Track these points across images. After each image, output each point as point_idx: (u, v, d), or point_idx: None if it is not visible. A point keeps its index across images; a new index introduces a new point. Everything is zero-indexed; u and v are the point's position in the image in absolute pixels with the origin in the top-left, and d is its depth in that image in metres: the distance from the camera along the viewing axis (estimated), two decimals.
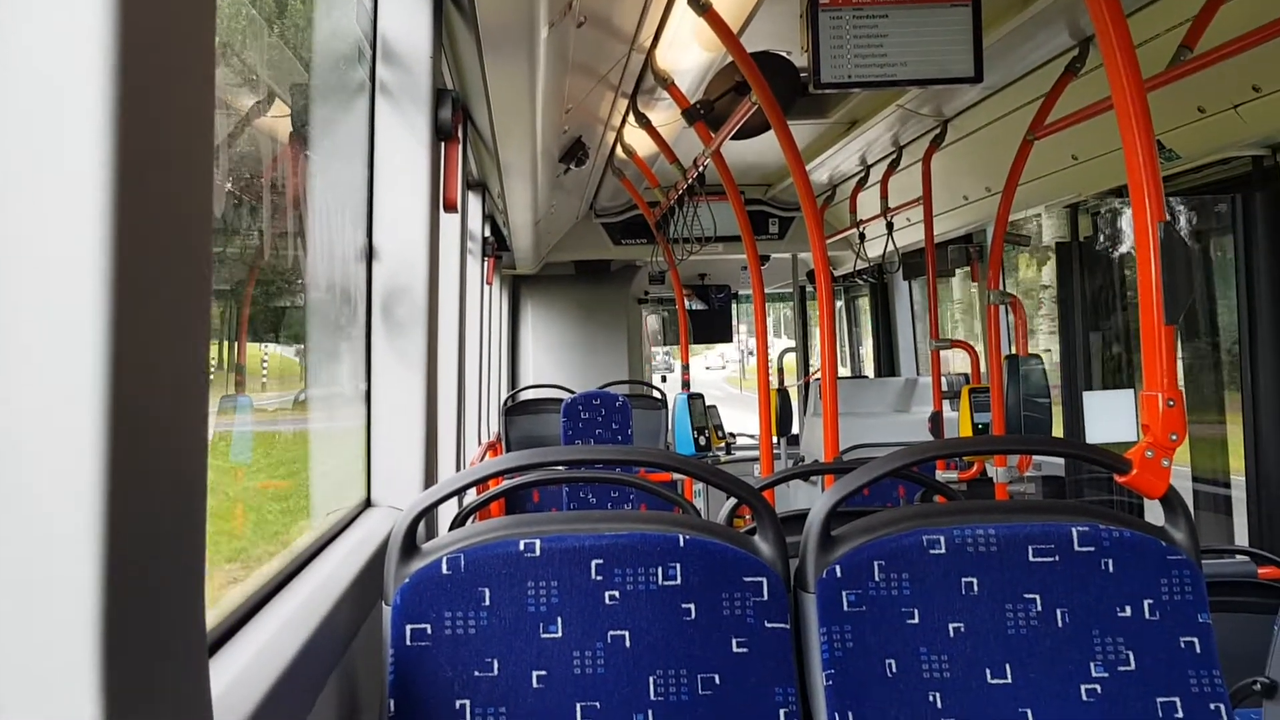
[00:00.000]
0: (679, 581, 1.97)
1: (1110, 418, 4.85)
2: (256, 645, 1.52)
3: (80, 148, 0.84)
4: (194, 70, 1.00)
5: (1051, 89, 4.56)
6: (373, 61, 2.78)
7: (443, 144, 2.94)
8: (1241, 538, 4.75)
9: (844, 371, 11.53)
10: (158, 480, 0.95)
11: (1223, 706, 1.99)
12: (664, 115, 5.41)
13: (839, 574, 2.03)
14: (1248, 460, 4.53)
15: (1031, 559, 2.03)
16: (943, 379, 6.47)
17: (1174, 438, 2.32)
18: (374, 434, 2.78)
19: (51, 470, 0.85)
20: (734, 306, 12.27)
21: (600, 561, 1.96)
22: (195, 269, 1.02)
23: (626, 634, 1.95)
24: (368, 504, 2.75)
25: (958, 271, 8.24)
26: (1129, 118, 2.42)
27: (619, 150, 6.50)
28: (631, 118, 5.50)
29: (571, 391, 7.80)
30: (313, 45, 2.50)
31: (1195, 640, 2.02)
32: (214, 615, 1.52)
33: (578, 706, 1.91)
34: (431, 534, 2.73)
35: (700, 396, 7.85)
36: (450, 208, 3.04)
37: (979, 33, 3.58)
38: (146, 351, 0.91)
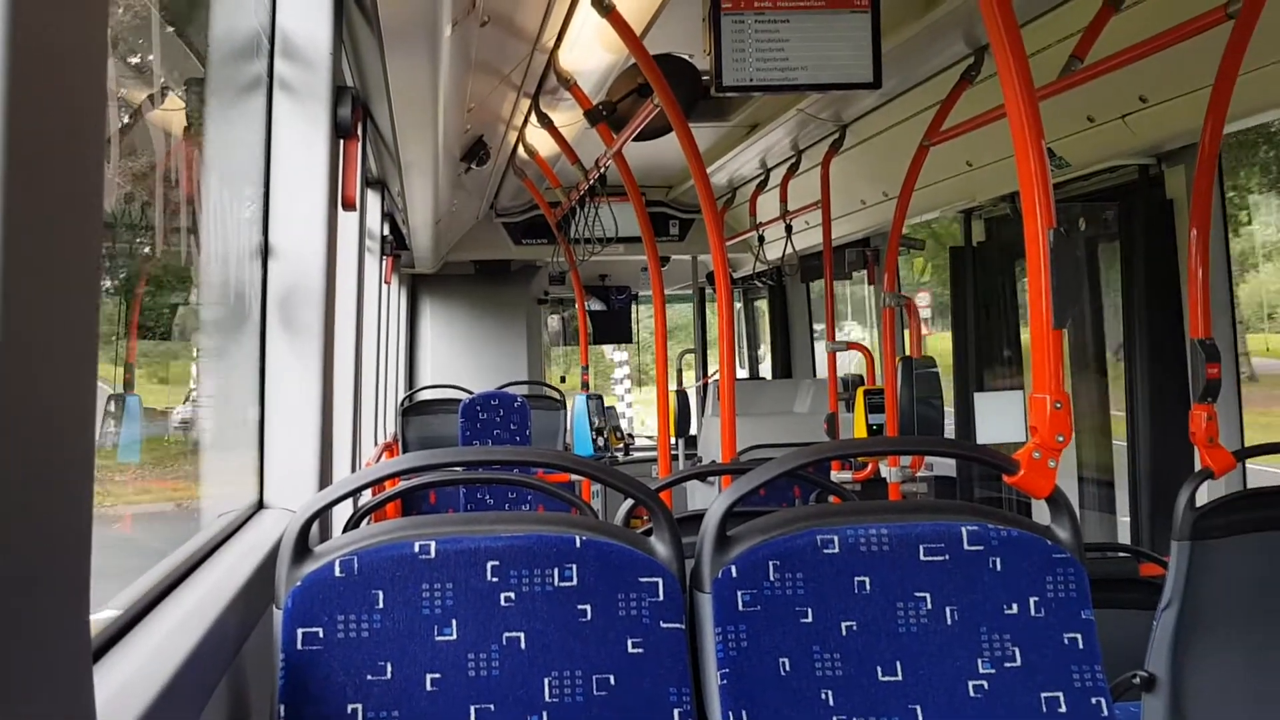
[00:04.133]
0: (575, 583, 1.97)
1: (1000, 419, 4.94)
2: (144, 650, 1.49)
3: None
4: (84, 60, 0.98)
5: (947, 96, 4.64)
6: (270, 57, 2.74)
7: (342, 141, 2.91)
8: (1125, 535, 4.88)
9: (742, 373, 11.61)
10: (39, 474, 0.92)
11: (1104, 700, 2.05)
12: (566, 116, 5.40)
13: (734, 574, 2.04)
14: (1129, 459, 4.65)
15: (922, 558, 2.07)
16: (839, 380, 6.55)
17: (1061, 439, 2.38)
18: (267, 434, 2.74)
19: None
20: (634, 308, 12.28)
21: (496, 563, 1.96)
22: (84, 263, 0.99)
23: (522, 636, 1.94)
24: (260, 506, 2.71)
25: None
26: (1021, 125, 2.46)
27: (521, 150, 6.48)
28: (534, 118, 5.48)
29: (470, 392, 7.75)
30: (209, 39, 2.46)
31: (1078, 636, 2.07)
32: (99, 619, 1.49)
33: (472, 709, 1.90)
34: (325, 536, 2.70)
35: (599, 397, 7.85)
36: (349, 206, 3.01)
37: (878, 39, 3.63)
38: (32, 343, 0.89)
